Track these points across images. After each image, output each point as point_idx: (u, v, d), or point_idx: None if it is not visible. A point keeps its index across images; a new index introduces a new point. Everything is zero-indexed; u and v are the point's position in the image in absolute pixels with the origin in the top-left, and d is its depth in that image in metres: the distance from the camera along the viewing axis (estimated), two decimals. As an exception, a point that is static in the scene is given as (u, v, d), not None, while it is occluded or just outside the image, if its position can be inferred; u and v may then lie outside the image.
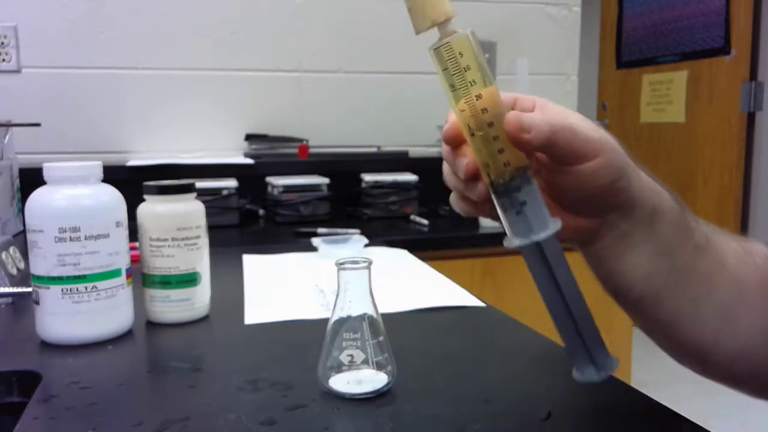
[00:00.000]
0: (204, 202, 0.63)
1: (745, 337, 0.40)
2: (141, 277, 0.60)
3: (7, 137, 1.08)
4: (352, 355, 0.42)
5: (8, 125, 1.08)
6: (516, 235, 0.34)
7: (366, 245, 0.93)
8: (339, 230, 1.09)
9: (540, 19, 1.67)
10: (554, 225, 0.34)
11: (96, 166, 0.55)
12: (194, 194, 0.61)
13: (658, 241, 0.38)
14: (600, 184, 0.35)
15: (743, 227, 2.34)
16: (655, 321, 0.40)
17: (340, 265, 0.42)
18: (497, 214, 0.35)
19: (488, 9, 1.62)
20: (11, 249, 0.74)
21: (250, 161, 1.37)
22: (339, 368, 0.42)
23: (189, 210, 0.60)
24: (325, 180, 1.28)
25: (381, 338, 0.43)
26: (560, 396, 0.44)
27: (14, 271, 0.72)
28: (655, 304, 0.39)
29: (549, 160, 0.35)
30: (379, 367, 0.43)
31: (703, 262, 0.39)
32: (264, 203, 1.31)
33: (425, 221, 1.26)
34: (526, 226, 0.34)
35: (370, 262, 0.42)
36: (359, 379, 0.42)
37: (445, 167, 0.37)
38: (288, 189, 1.25)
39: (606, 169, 0.34)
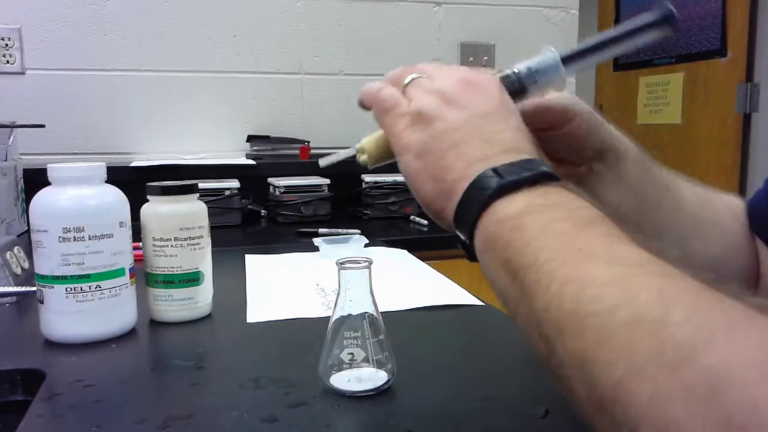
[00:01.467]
0: (206, 202, 0.64)
1: (699, 262, 0.45)
2: (144, 277, 0.60)
3: (12, 138, 1.08)
4: (352, 353, 0.43)
5: (13, 126, 1.09)
6: None
7: (366, 245, 0.93)
8: (340, 230, 1.10)
9: (538, 22, 1.67)
10: None
11: (100, 167, 0.56)
12: (197, 195, 0.62)
13: (625, 179, 0.46)
14: (581, 139, 0.44)
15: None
16: None
17: (341, 265, 0.43)
18: None
19: (487, 12, 1.62)
20: (16, 249, 0.75)
21: (252, 162, 1.37)
22: (340, 366, 0.43)
23: (192, 210, 0.61)
24: (326, 181, 1.29)
25: (381, 337, 0.43)
26: (558, 394, 0.44)
27: (19, 271, 0.72)
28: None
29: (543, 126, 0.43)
30: (380, 365, 0.43)
31: (663, 201, 0.47)
32: (266, 204, 1.31)
33: (425, 221, 1.26)
34: None
35: (371, 262, 0.43)
36: (360, 376, 0.43)
37: None
38: (289, 189, 1.26)
39: (584, 127, 0.44)
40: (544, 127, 0.43)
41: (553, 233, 0.28)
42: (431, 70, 0.38)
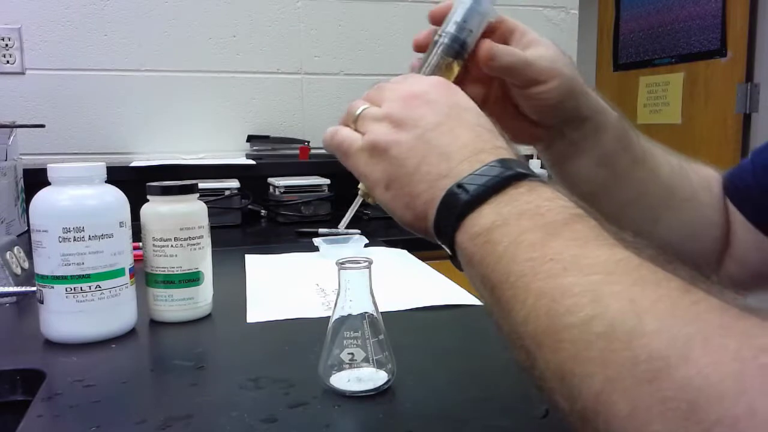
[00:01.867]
0: (206, 202, 0.64)
1: (666, 232, 0.49)
2: (144, 277, 0.60)
3: (12, 138, 1.08)
4: (352, 353, 0.43)
5: (12, 126, 1.09)
6: None
7: (366, 245, 0.93)
8: (340, 230, 1.10)
9: (538, 22, 1.67)
10: None
11: (100, 167, 0.56)
12: (197, 195, 0.62)
13: (600, 150, 0.46)
14: (550, 103, 0.43)
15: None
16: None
17: (341, 265, 0.43)
18: None
19: (488, 11, 1.62)
20: (16, 249, 0.75)
21: (252, 162, 1.37)
22: (340, 366, 0.43)
23: (192, 210, 0.61)
24: (326, 181, 1.29)
25: (381, 336, 0.43)
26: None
27: (19, 271, 0.72)
28: (593, 201, 0.46)
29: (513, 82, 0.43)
30: (380, 365, 0.43)
31: (638, 172, 0.48)
32: (266, 204, 1.31)
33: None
34: None
35: (371, 262, 0.43)
36: (360, 376, 0.43)
37: None
38: (289, 189, 1.26)
39: (555, 92, 0.42)
40: (521, 84, 0.42)
41: (523, 245, 0.28)
42: (376, 95, 0.37)
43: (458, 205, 0.30)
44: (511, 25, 0.44)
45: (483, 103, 0.44)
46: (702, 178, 0.51)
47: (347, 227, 0.43)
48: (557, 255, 0.26)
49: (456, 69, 0.42)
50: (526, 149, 1.48)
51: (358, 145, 0.35)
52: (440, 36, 0.42)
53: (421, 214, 0.33)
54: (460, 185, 0.31)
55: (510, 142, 0.35)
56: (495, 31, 0.43)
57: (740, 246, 0.51)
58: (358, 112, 0.37)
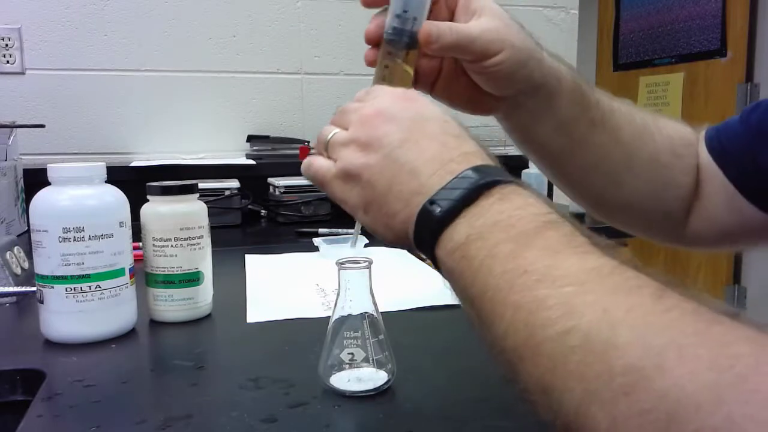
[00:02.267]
0: (206, 202, 0.64)
1: (630, 195, 0.50)
2: (144, 277, 0.60)
3: (12, 138, 1.08)
4: (352, 354, 0.43)
5: (12, 126, 1.09)
6: None
7: (366, 245, 0.93)
8: (340, 230, 1.10)
9: (538, 22, 1.67)
10: None
11: (99, 167, 0.56)
12: (197, 195, 0.62)
13: (557, 116, 0.46)
14: (501, 75, 0.42)
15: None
16: (557, 178, 0.52)
17: (341, 265, 0.43)
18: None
19: (488, 11, 1.62)
20: (16, 249, 0.75)
21: (252, 162, 1.37)
22: (340, 366, 0.43)
23: (192, 210, 0.61)
24: (326, 181, 1.29)
25: (381, 336, 0.43)
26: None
27: (18, 271, 0.72)
28: (555, 166, 0.50)
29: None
30: (380, 365, 0.43)
31: (597, 136, 0.47)
32: (266, 204, 1.31)
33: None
34: None
35: (371, 262, 0.43)
36: (360, 377, 0.43)
37: None
38: (289, 189, 1.26)
39: (504, 64, 0.41)
40: (471, 59, 0.41)
41: (498, 258, 0.28)
42: (341, 119, 0.37)
43: (433, 222, 0.31)
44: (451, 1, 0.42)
45: (436, 78, 0.44)
46: (667, 138, 0.50)
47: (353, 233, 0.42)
48: (531, 266, 0.26)
49: (413, 58, 0.41)
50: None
51: (332, 174, 0.36)
52: (386, 33, 0.41)
53: (401, 233, 0.33)
54: (432, 201, 0.31)
55: (480, 142, 0.34)
56: (438, 1, 0.42)
57: (711, 204, 0.51)
58: (327, 139, 0.37)
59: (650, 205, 0.51)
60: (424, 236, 0.31)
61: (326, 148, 0.37)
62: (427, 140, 0.33)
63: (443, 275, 0.32)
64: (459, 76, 0.44)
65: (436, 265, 0.32)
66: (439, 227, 0.30)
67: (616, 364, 0.22)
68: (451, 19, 0.42)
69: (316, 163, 0.37)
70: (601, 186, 0.51)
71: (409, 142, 0.33)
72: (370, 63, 0.42)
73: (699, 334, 0.21)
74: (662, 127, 0.51)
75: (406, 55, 0.40)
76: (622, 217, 0.55)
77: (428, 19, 0.41)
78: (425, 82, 0.44)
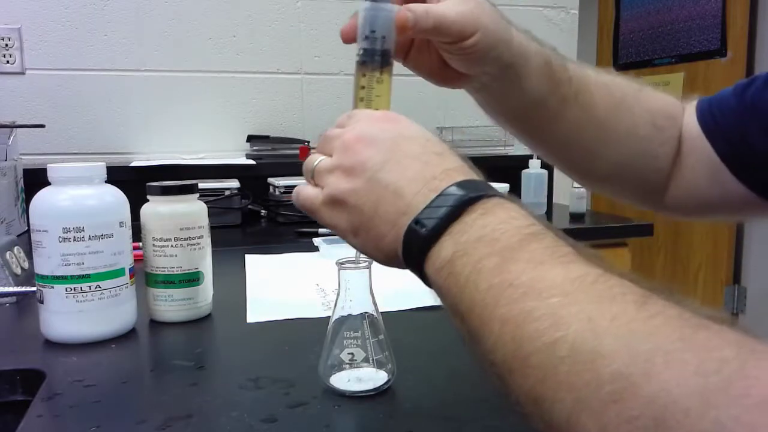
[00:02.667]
0: (206, 202, 0.64)
1: (606, 166, 0.51)
2: (144, 277, 0.60)
3: (12, 138, 1.08)
4: (352, 354, 0.43)
5: (12, 126, 1.09)
6: None
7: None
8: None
9: (538, 22, 1.67)
10: None
11: (99, 167, 0.56)
12: (197, 195, 0.62)
13: (525, 95, 0.46)
14: (472, 57, 0.42)
15: (739, 227, 2.34)
16: (535, 149, 0.53)
17: (341, 265, 0.43)
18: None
19: (488, 11, 1.62)
20: (16, 249, 0.75)
21: (252, 162, 1.37)
22: (340, 366, 0.43)
23: (192, 210, 0.61)
24: (326, 181, 1.29)
25: (381, 336, 0.43)
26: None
27: (18, 271, 0.72)
28: (529, 139, 0.51)
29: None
30: (380, 365, 0.43)
31: (570, 112, 0.48)
32: (266, 204, 1.31)
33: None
34: None
35: (371, 262, 0.43)
36: (360, 377, 0.43)
37: None
38: (289, 189, 1.26)
39: (476, 46, 0.42)
40: (446, 41, 0.42)
41: (483, 273, 0.28)
42: (325, 146, 0.38)
43: (419, 241, 0.31)
44: None
45: (408, 49, 0.45)
46: (646, 112, 0.51)
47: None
48: (516, 279, 0.27)
49: (389, 74, 0.41)
50: (525, 150, 1.45)
51: (320, 201, 0.36)
52: (358, 55, 0.41)
53: (391, 253, 0.33)
54: (417, 221, 0.31)
55: (463, 157, 0.35)
56: None
57: (693, 175, 0.51)
58: (312, 167, 0.37)
59: (627, 175, 0.52)
60: (413, 255, 0.32)
61: (312, 176, 0.37)
62: (409, 160, 0.33)
63: (435, 293, 0.32)
64: (429, 50, 0.45)
65: (427, 283, 0.32)
66: (426, 246, 0.31)
67: (603, 372, 0.22)
68: None
69: (304, 191, 0.38)
70: (577, 157, 0.52)
71: (390, 163, 0.33)
72: (346, 33, 0.43)
73: (684, 340, 0.22)
74: (643, 100, 0.51)
75: (381, 73, 0.41)
76: (601, 185, 0.57)
77: None
78: (398, 51, 0.44)
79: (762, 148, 0.46)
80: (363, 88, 0.41)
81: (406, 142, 0.34)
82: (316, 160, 0.37)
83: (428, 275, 0.31)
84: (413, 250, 0.31)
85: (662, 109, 0.52)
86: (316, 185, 0.37)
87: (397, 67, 0.44)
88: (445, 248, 0.30)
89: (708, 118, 0.50)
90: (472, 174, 0.33)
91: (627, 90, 0.51)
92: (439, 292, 0.31)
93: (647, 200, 0.55)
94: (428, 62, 0.45)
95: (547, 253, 0.27)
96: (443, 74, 0.45)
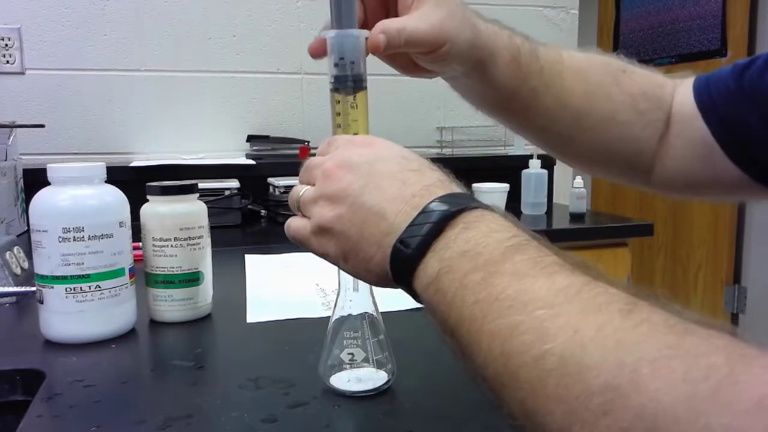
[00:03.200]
0: (206, 202, 0.64)
1: (584, 150, 0.52)
2: (144, 277, 0.60)
3: (11, 138, 1.08)
4: (352, 354, 0.43)
5: (12, 126, 1.09)
6: None
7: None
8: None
9: (538, 22, 1.67)
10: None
11: (99, 167, 0.56)
12: (197, 195, 0.62)
13: (494, 90, 0.47)
14: (439, 63, 0.43)
15: (739, 227, 2.34)
16: (516, 131, 0.54)
17: (341, 265, 0.43)
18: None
19: (486, 12, 1.61)
20: (15, 249, 0.75)
21: (251, 162, 1.37)
22: (340, 366, 0.43)
23: (191, 210, 0.61)
24: (326, 181, 1.29)
25: (381, 337, 0.43)
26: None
27: (18, 271, 0.72)
28: (509, 126, 0.52)
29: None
30: (380, 365, 0.43)
31: (542, 102, 0.48)
32: (266, 204, 1.31)
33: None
34: None
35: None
36: (360, 377, 0.43)
37: None
38: (289, 189, 1.25)
39: (444, 55, 0.42)
40: (422, 51, 0.42)
41: (469, 288, 0.28)
42: (307, 176, 0.38)
43: (405, 260, 0.31)
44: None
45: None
46: (628, 96, 0.50)
47: None
48: (501, 293, 0.27)
49: (363, 97, 0.41)
50: (526, 149, 1.45)
51: (308, 231, 0.36)
52: (330, 84, 0.41)
53: (381, 274, 0.34)
54: (402, 240, 0.32)
55: (443, 170, 0.35)
56: None
57: (684, 153, 0.51)
58: (298, 198, 0.38)
59: (609, 158, 0.52)
60: (401, 274, 0.32)
61: (299, 208, 0.38)
62: (388, 180, 0.34)
63: (427, 309, 0.32)
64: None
65: (419, 300, 0.33)
66: (412, 264, 0.31)
67: (592, 383, 0.22)
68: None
69: (293, 224, 0.38)
70: (555, 142, 0.53)
71: (370, 186, 0.34)
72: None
73: (671, 347, 0.21)
74: (625, 84, 0.51)
75: (355, 98, 0.41)
76: (586, 167, 0.57)
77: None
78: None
79: (759, 131, 0.46)
80: (339, 114, 0.41)
81: (383, 163, 0.35)
82: (300, 191, 0.38)
83: (418, 293, 0.32)
84: (400, 269, 0.32)
85: (646, 91, 0.51)
86: (303, 216, 0.37)
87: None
88: (430, 266, 0.30)
89: (705, 98, 0.49)
90: (452, 187, 0.33)
91: (605, 74, 0.50)
92: (429, 309, 0.31)
93: (634, 180, 0.55)
94: (398, 58, 0.46)
95: (531, 265, 0.28)
96: (411, 69, 0.46)
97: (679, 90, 0.52)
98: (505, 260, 0.28)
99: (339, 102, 0.41)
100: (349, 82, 0.40)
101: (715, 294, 2.38)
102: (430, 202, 0.32)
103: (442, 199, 0.32)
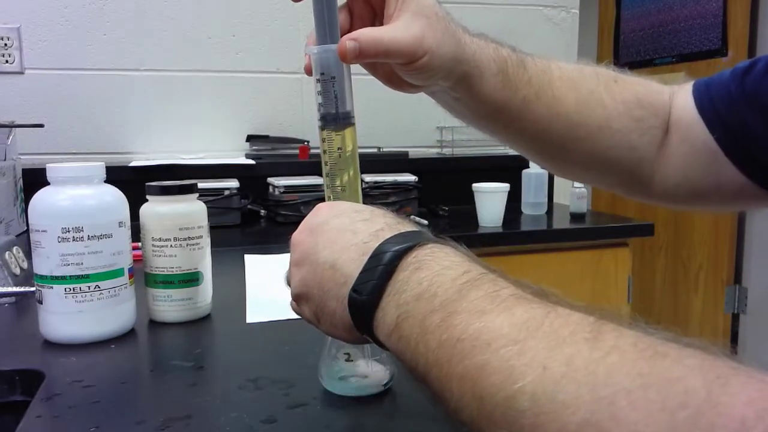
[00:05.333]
0: (206, 202, 0.63)
1: (578, 159, 0.51)
2: (143, 277, 0.60)
3: (11, 138, 1.08)
4: (352, 354, 0.42)
5: (12, 126, 1.09)
6: None
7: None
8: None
9: (539, 22, 1.67)
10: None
11: (99, 167, 0.55)
12: (196, 195, 0.62)
13: (482, 102, 0.46)
14: (421, 74, 0.42)
15: (740, 227, 2.34)
16: (506, 144, 0.53)
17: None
18: None
19: (487, 11, 1.62)
20: (15, 249, 0.75)
21: (251, 162, 1.37)
22: (339, 367, 0.43)
23: (191, 210, 0.60)
24: (326, 181, 1.28)
25: (381, 337, 0.43)
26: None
27: (17, 271, 0.72)
28: (498, 138, 0.51)
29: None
30: (379, 365, 0.43)
31: (532, 113, 0.47)
32: (265, 203, 1.31)
33: (425, 221, 1.26)
34: None
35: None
36: (359, 377, 0.43)
37: None
38: (289, 189, 1.26)
39: (427, 66, 0.41)
40: (397, 62, 0.41)
41: (430, 333, 0.28)
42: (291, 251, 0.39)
43: (362, 308, 0.31)
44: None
45: None
46: (621, 103, 0.49)
47: None
48: (462, 334, 0.26)
49: (351, 133, 0.41)
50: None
51: (293, 302, 0.38)
52: (318, 123, 0.42)
53: (347, 327, 0.33)
54: (355, 289, 0.31)
55: (395, 215, 0.35)
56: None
57: (685, 161, 0.50)
58: (286, 277, 0.40)
59: (605, 167, 0.51)
60: (361, 324, 0.32)
61: (288, 284, 0.39)
62: (339, 234, 0.34)
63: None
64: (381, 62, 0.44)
65: (386, 350, 0.32)
66: (369, 311, 0.31)
67: (569, 421, 0.21)
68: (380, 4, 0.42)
69: (291, 301, 0.39)
70: (548, 152, 0.52)
71: (323, 242, 0.35)
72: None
73: (644, 375, 0.21)
74: (618, 92, 0.50)
75: (343, 137, 0.41)
76: (580, 176, 0.57)
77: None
78: None
79: (763, 135, 0.45)
80: (324, 141, 0.42)
81: (336, 219, 0.35)
82: (287, 268, 0.39)
83: (382, 341, 0.31)
84: (359, 317, 0.32)
85: (640, 99, 0.50)
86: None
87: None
88: (388, 313, 0.30)
89: (706, 104, 0.49)
90: (401, 227, 0.33)
91: (597, 83, 0.49)
92: (398, 357, 0.31)
93: (633, 190, 0.54)
94: (381, 70, 0.45)
95: (488, 301, 0.27)
96: (397, 81, 0.45)
97: (677, 96, 0.51)
98: (462, 298, 0.27)
99: (324, 129, 0.42)
100: (341, 120, 0.41)
101: (716, 294, 2.38)
102: (378, 245, 0.32)
103: (390, 240, 0.32)
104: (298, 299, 0.37)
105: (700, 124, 0.49)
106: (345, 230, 0.34)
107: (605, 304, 1.22)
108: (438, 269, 0.29)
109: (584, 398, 0.21)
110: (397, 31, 0.40)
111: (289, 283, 0.39)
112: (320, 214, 0.37)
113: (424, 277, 0.29)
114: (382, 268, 0.31)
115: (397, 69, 0.43)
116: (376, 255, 0.31)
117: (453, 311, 0.27)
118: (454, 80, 0.44)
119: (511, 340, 0.25)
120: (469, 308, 0.27)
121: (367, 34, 0.39)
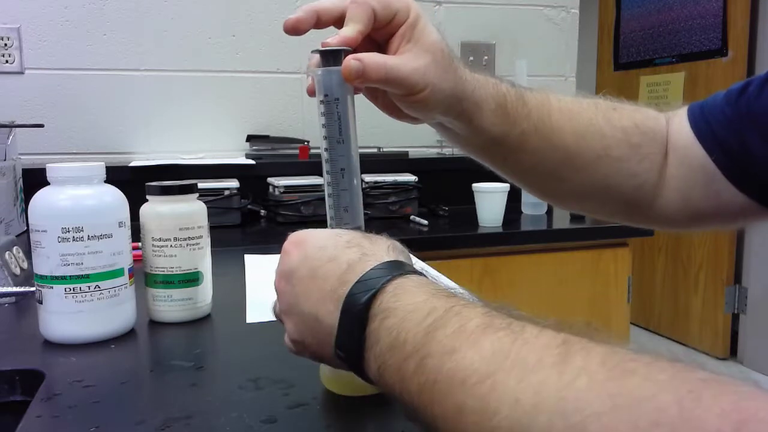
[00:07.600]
0: (206, 202, 0.63)
1: (575, 189, 0.52)
2: (143, 277, 0.60)
3: (11, 138, 1.08)
4: (352, 354, 0.42)
5: (12, 126, 1.09)
6: None
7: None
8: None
9: (538, 22, 1.67)
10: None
11: (99, 167, 0.55)
12: (196, 195, 0.62)
13: (480, 137, 0.47)
14: (421, 108, 0.43)
15: (740, 228, 2.34)
16: (501, 174, 0.53)
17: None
18: None
19: (487, 11, 1.62)
20: (15, 249, 0.75)
21: (251, 162, 1.37)
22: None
23: (191, 210, 0.60)
24: (326, 181, 1.28)
25: (381, 337, 0.43)
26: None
27: (18, 271, 0.72)
28: (494, 168, 0.52)
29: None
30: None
31: (530, 144, 0.48)
32: (265, 203, 1.31)
33: (425, 221, 1.26)
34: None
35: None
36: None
37: None
38: (289, 189, 1.26)
39: (427, 100, 0.42)
40: (397, 93, 0.42)
41: (408, 380, 0.29)
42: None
43: (351, 364, 0.33)
44: (394, 24, 0.42)
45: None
46: (619, 131, 0.50)
47: None
48: (438, 375, 0.27)
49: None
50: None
51: (289, 342, 0.39)
52: (321, 153, 0.42)
53: (334, 362, 0.35)
54: (337, 350, 0.33)
55: (361, 234, 0.37)
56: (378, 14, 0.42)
57: (685, 185, 0.50)
58: (273, 309, 0.41)
59: (604, 195, 0.52)
60: (351, 365, 0.33)
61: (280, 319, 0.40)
62: (311, 282, 0.35)
63: None
64: (382, 91, 0.45)
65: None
66: (357, 366, 0.32)
67: None
68: (391, 32, 0.42)
69: (286, 340, 0.39)
70: (543, 182, 0.53)
71: (301, 293, 0.36)
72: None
73: (614, 396, 0.21)
74: (616, 119, 0.50)
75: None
76: (576, 206, 0.57)
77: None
78: None
79: (760, 154, 0.45)
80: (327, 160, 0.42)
81: (304, 265, 0.36)
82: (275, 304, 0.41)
83: (374, 383, 0.33)
84: (354, 371, 0.33)
85: (638, 125, 0.51)
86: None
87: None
88: (371, 366, 0.31)
89: (702, 126, 0.49)
90: (365, 260, 0.34)
91: (595, 113, 0.50)
92: (385, 392, 0.32)
93: (633, 217, 0.55)
94: (382, 99, 0.46)
95: (455, 337, 0.28)
96: (398, 113, 0.46)
97: (673, 121, 0.52)
98: (431, 341, 0.28)
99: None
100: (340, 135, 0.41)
101: (716, 294, 2.38)
102: (347, 297, 0.32)
103: (355, 290, 0.32)
104: (296, 345, 0.38)
105: (697, 146, 0.49)
106: (315, 277, 0.35)
107: (603, 305, 1.22)
108: (402, 314, 0.30)
109: (557, 426, 0.22)
110: (402, 60, 0.41)
111: (278, 317, 0.40)
112: (291, 258, 0.38)
113: (393, 326, 0.30)
114: (355, 326, 0.32)
115: (398, 100, 0.43)
116: (347, 310, 0.32)
117: (425, 355, 0.28)
118: (453, 115, 0.45)
119: (482, 376, 0.25)
120: (439, 350, 0.28)
121: (372, 56, 0.40)
